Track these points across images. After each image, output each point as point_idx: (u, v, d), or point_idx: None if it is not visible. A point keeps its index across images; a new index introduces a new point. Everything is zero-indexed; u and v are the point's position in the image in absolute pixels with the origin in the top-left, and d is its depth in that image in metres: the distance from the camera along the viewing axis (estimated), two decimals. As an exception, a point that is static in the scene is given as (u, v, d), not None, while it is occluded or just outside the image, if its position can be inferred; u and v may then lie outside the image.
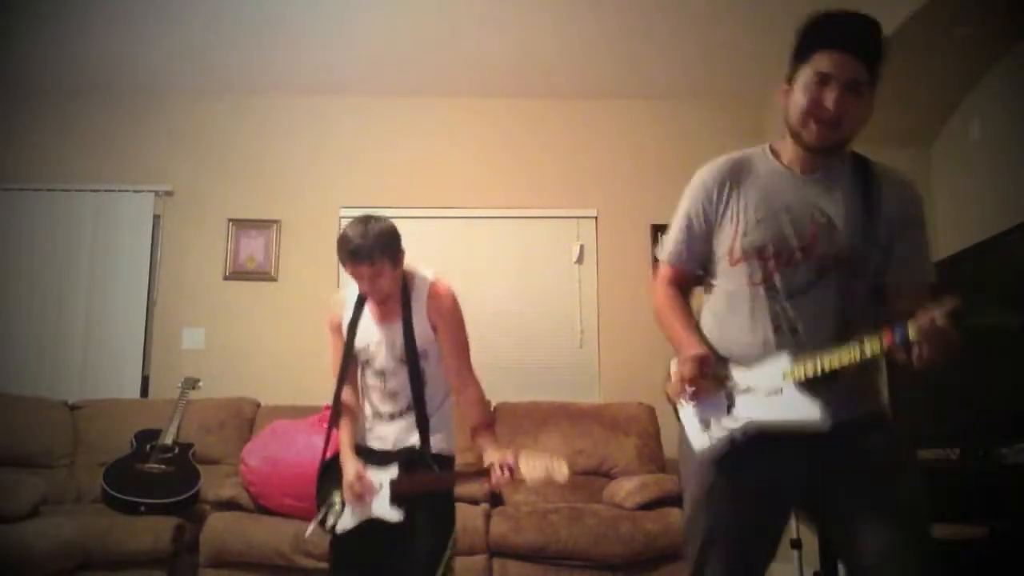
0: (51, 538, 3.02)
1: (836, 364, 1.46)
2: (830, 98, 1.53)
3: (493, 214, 4.73)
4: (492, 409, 4.17)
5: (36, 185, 4.62)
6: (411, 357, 2.28)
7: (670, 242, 1.78)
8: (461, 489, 3.44)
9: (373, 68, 4.54)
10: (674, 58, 4.39)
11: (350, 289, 2.40)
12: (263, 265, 4.67)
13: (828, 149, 1.60)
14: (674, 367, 1.68)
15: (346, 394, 2.41)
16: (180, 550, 3.32)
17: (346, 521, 2.28)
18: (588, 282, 4.69)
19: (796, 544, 3.17)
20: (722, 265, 1.68)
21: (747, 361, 1.59)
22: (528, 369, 4.51)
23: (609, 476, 3.93)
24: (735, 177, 1.68)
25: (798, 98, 1.58)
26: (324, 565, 3.21)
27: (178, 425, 3.88)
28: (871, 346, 1.42)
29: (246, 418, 4.12)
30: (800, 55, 1.60)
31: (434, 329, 2.30)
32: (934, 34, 3.48)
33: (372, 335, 2.34)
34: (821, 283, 1.57)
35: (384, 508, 2.22)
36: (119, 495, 3.46)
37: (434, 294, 2.32)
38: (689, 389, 1.58)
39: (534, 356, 4.57)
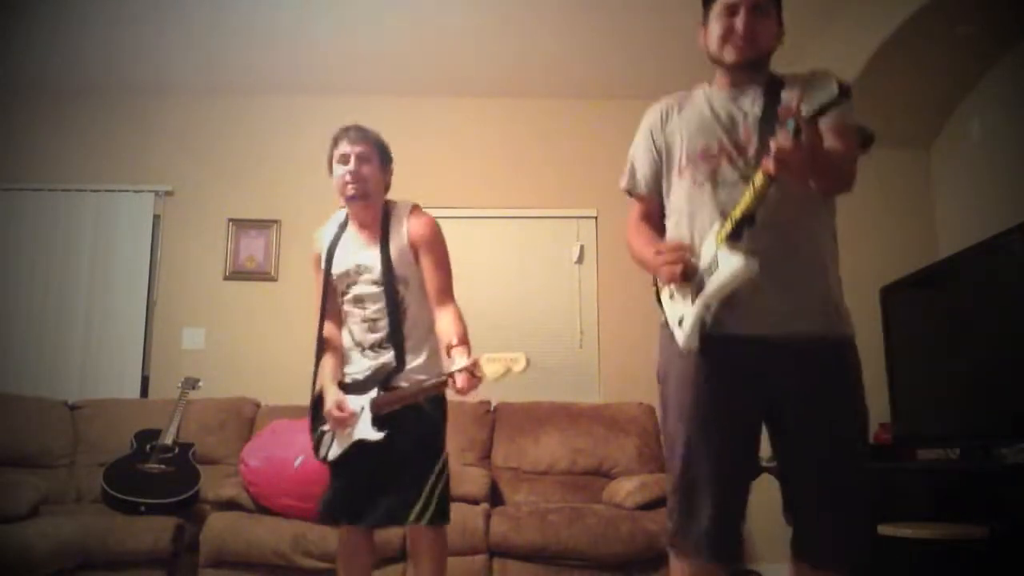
0: (51, 538, 3.01)
1: (741, 209, 1.58)
2: (739, 22, 1.73)
3: (493, 214, 4.73)
4: (492, 408, 4.19)
5: (36, 185, 4.62)
6: (388, 279, 2.29)
7: (629, 171, 1.93)
8: (461, 489, 3.46)
9: (373, 68, 4.54)
10: (674, 58, 4.38)
11: (331, 221, 2.47)
12: (263, 265, 4.67)
13: (750, 64, 1.77)
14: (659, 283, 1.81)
15: (328, 329, 2.43)
16: (180, 550, 3.32)
17: (334, 449, 2.33)
18: (588, 282, 4.69)
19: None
20: (674, 182, 1.82)
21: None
22: (528, 369, 4.50)
23: (609, 476, 3.93)
24: (676, 104, 1.88)
25: (712, 28, 1.79)
26: (324, 565, 3.23)
27: (178, 425, 3.88)
28: (757, 178, 1.54)
29: (246, 418, 4.11)
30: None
31: (415, 256, 2.32)
32: (934, 34, 3.48)
33: (351, 260, 2.36)
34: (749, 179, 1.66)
35: (365, 429, 2.25)
36: (119, 495, 3.46)
37: (415, 218, 2.35)
38: (675, 271, 1.66)
39: (534, 356, 4.51)
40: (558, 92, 4.79)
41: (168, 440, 3.78)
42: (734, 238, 1.59)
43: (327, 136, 5.03)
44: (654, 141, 1.87)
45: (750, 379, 1.68)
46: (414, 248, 2.33)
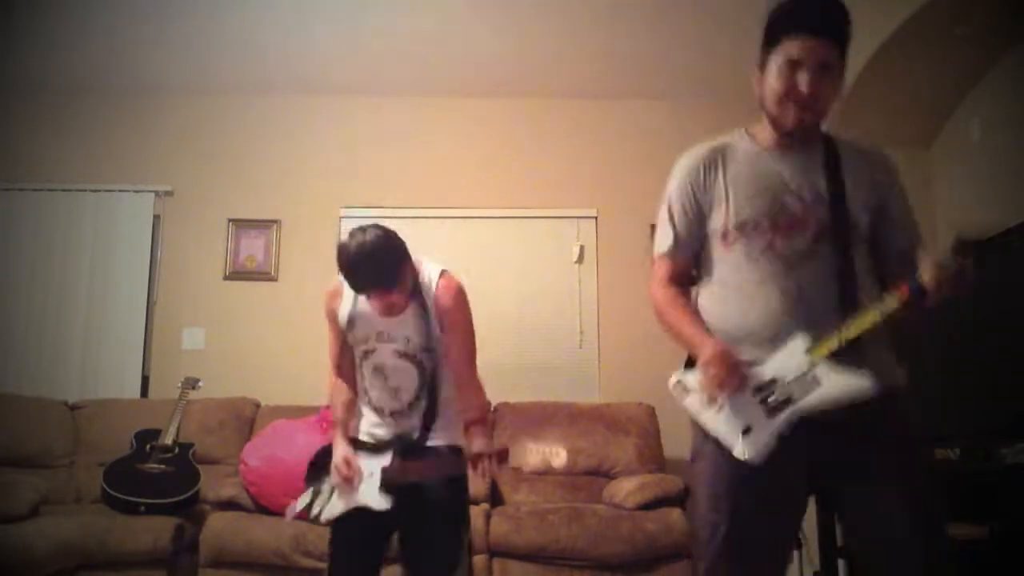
0: (51, 538, 3.02)
1: (856, 331, 1.47)
2: (804, 81, 1.56)
3: (493, 214, 4.72)
4: (492, 409, 4.18)
5: (36, 185, 4.62)
6: (424, 350, 2.17)
7: (663, 233, 1.75)
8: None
9: (373, 68, 4.54)
10: (674, 58, 4.39)
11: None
12: (263, 265, 4.67)
13: (806, 129, 1.63)
14: (681, 376, 1.66)
15: (343, 390, 2.31)
16: (180, 550, 3.32)
17: (333, 508, 2.20)
18: (588, 282, 4.69)
19: (796, 544, 3.16)
20: (717, 251, 1.66)
21: (759, 342, 1.56)
22: (528, 369, 4.51)
23: (609, 476, 3.93)
24: (718, 158, 1.69)
25: (772, 83, 1.60)
26: (324, 565, 3.23)
27: (178, 425, 3.87)
28: (888, 303, 1.45)
29: (246, 418, 4.11)
30: (769, 41, 1.62)
31: (441, 327, 2.20)
32: (934, 34, 3.48)
33: (372, 327, 2.22)
34: (820, 250, 1.58)
35: (372, 496, 2.13)
36: (119, 495, 3.46)
37: (443, 289, 2.20)
38: (726, 389, 1.54)
39: (534, 356, 4.57)
40: (558, 92, 4.79)
41: (168, 440, 3.78)
42: (836, 354, 1.49)
43: (327, 136, 5.04)
44: (695, 200, 1.69)
45: (809, 454, 1.56)
46: (441, 319, 2.19)
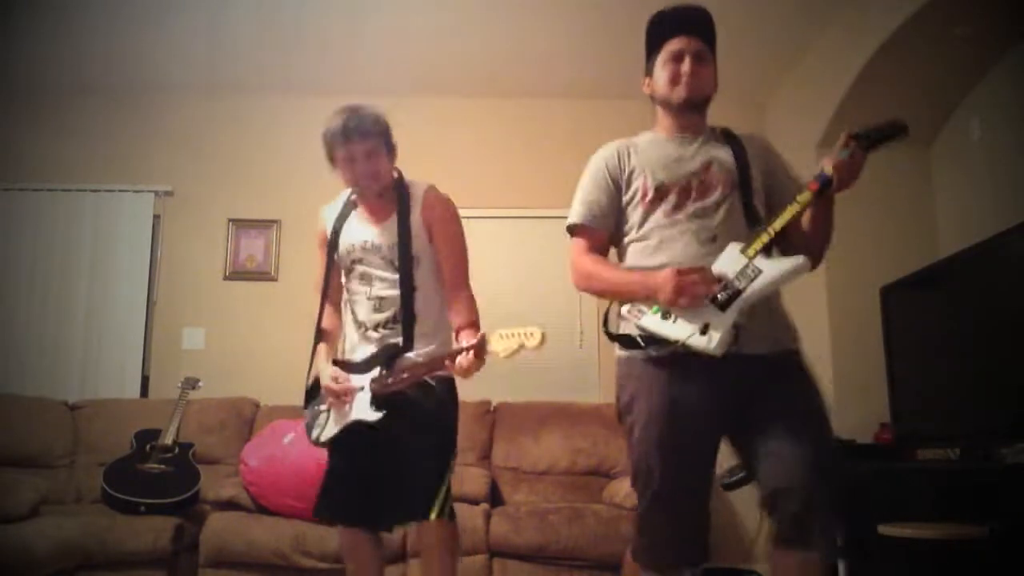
0: (51, 538, 3.01)
1: (781, 222, 1.76)
2: (685, 66, 1.89)
3: (493, 214, 4.73)
4: (492, 408, 4.18)
5: (36, 185, 4.63)
6: (402, 256, 2.18)
7: (580, 203, 2.01)
8: (461, 489, 3.46)
9: (373, 68, 4.54)
10: (674, 58, 4.39)
11: (338, 199, 2.37)
12: (263, 265, 4.67)
13: (695, 105, 1.92)
14: (626, 308, 1.88)
15: (327, 312, 2.33)
16: (180, 550, 3.32)
17: (330, 429, 2.21)
18: (588, 282, 4.68)
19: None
20: (637, 213, 1.91)
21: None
22: (528, 369, 4.50)
23: (609, 476, 3.93)
24: (629, 148, 1.97)
25: (659, 74, 1.93)
26: (324, 565, 3.23)
27: (178, 425, 3.88)
28: (804, 196, 1.76)
29: (246, 418, 4.12)
30: (653, 46, 1.95)
31: (429, 236, 2.22)
32: (934, 34, 3.48)
33: (359, 236, 2.25)
34: (728, 203, 1.86)
35: (364, 409, 2.14)
36: (119, 495, 3.46)
37: (432, 196, 2.25)
38: (697, 294, 1.73)
39: (534, 356, 4.55)
40: (558, 92, 4.79)
41: (168, 440, 3.78)
42: (766, 251, 1.75)
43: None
44: (610, 176, 1.95)
45: (724, 392, 1.77)
46: (428, 227, 2.23)
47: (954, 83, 3.80)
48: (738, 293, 1.72)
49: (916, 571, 2.98)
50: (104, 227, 4.60)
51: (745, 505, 4.03)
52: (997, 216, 3.41)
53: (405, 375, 2.12)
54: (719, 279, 1.74)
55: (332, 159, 2.31)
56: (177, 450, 3.76)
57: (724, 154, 1.92)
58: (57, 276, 4.52)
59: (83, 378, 4.41)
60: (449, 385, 2.23)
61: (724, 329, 1.72)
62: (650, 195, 1.89)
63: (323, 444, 2.25)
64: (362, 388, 2.17)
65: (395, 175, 2.32)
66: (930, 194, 4.13)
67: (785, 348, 1.84)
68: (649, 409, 1.81)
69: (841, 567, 3.58)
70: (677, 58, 1.89)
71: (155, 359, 4.56)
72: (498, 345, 1.95)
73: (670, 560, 1.81)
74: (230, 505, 3.48)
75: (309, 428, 2.29)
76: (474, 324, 2.19)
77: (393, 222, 2.23)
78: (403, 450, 2.15)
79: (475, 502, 3.52)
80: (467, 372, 2.00)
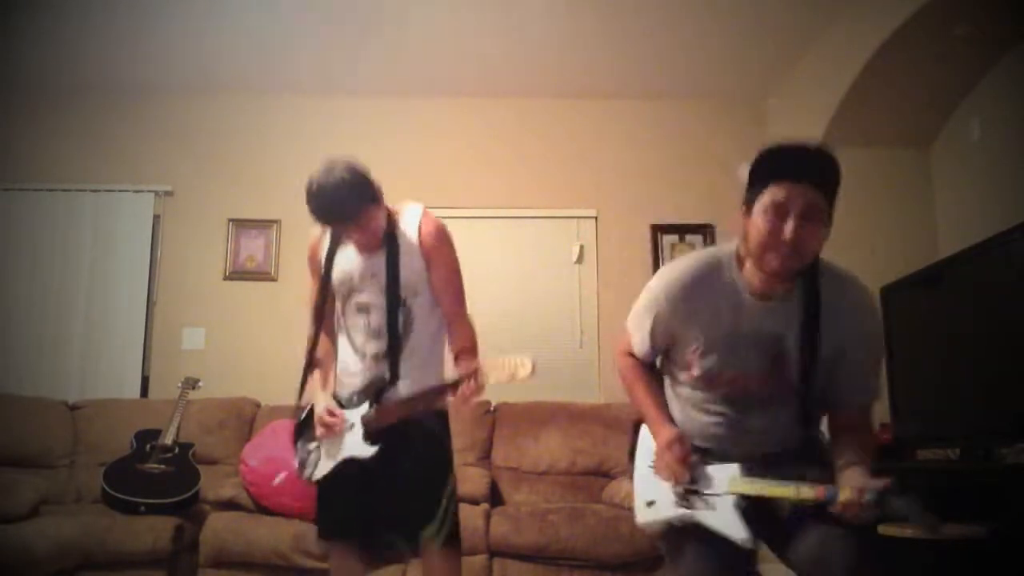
0: (51, 538, 3.02)
1: (773, 494, 1.62)
2: (788, 228, 1.55)
3: (493, 214, 4.73)
4: (492, 408, 4.18)
5: (36, 185, 4.62)
6: (392, 289, 2.14)
7: (634, 329, 1.84)
8: (461, 489, 3.45)
9: (373, 69, 4.54)
10: (674, 58, 4.40)
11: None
12: (263, 265, 4.67)
13: (792, 276, 1.64)
14: (650, 442, 1.83)
15: (321, 343, 2.27)
16: (180, 550, 3.32)
17: (323, 466, 2.18)
18: (588, 282, 4.69)
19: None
20: (679, 376, 1.80)
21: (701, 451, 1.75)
22: (534, 374, 4.50)
23: (609, 476, 3.93)
24: (698, 291, 1.71)
25: (757, 225, 1.60)
26: (324, 565, 3.23)
27: (178, 425, 3.87)
28: (804, 493, 1.56)
29: (246, 418, 4.11)
30: (756, 184, 1.62)
31: (427, 264, 2.18)
32: (934, 34, 3.48)
33: (354, 266, 2.20)
34: (774, 403, 1.71)
35: (356, 445, 2.11)
36: (119, 495, 3.46)
37: (427, 224, 2.19)
38: (682, 472, 1.70)
39: (534, 356, 4.55)
40: (558, 92, 4.79)
41: (168, 440, 3.78)
42: (743, 502, 1.65)
43: (327, 136, 5.04)
44: (667, 326, 1.76)
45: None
46: (426, 256, 2.17)
47: (954, 83, 3.80)
48: (691, 507, 1.71)
49: (916, 571, 2.98)
50: (104, 227, 4.60)
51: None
52: (997, 216, 3.40)
53: (398, 409, 2.10)
54: (695, 481, 1.70)
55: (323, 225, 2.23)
56: (177, 450, 3.76)
57: (794, 331, 1.66)
58: (57, 276, 4.52)
59: (83, 378, 4.40)
60: (442, 420, 2.21)
61: (660, 520, 1.74)
62: (696, 373, 1.73)
63: (317, 483, 2.22)
64: (353, 424, 2.14)
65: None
66: (930, 194, 4.13)
67: None
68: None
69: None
70: (781, 212, 1.56)
71: (155, 359, 4.56)
72: (491, 375, 1.94)
73: None
74: (230, 505, 3.48)
75: (302, 466, 2.25)
76: (473, 349, 2.17)
77: (388, 253, 2.18)
78: (397, 486, 2.12)
79: (475, 502, 3.52)
80: (467, 400, 1.98)
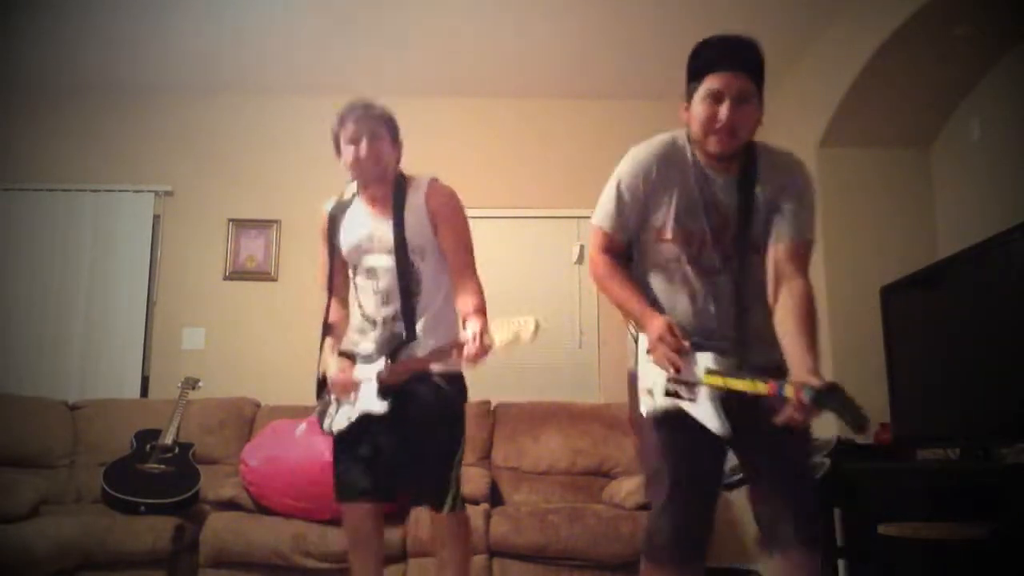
0: (51, 538, 3.02)
1: (735, 387, 1.73)
2: (724, 112, 1.76)
3: (493, 214, 4.72)
4: (492, 408, 4.18)
5: (36, 185, 4.63)
6: (401, 249, 2.19)
7: (606, 206, 1.96)
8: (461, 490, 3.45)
9: (373, 68, 4.54)
10: (674, 58, 4.36)
11: (339, 195, 2.38)
12: (263, 265, 4.67)
13: (730, 155, 1.83)
14: (634, 330, 1.95)
15: (334, 309, 2.35)
16: (180, 550, 3.32)
17: (339, 420, 2.24)
18: (588, 282, 4.67)
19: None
20: (651, 241, 1.92)
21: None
22: (528, 369, 4.51)
23: (609, 476, 3.93)
24: (666, 163, 1.88)
25: (697, 112, 1.81)
26: (324, 565, 3.23)
27: (178, 425, 3.88)
28: (760, 388, 1.68)
29: (246, 418, 4.11)
30: (693, 77, 1.83)
31: (434, 227, 2.23)
32: (934, 34, 3.48)
33: (363, 228, 2.26)
34: (725, 268, 1.87)
35: (371, 401, 2.16)
36: (119, 495, 3.46)
37: (435, 189, 2.26)
38: (678, 360, 1.78)
39: (534, 356, 4.56)
40: (558, 92, 4.79)
41: (168, 440, 3.78)
42: (716, 392, 1.76)
43: (327, 136, 5.01)
44: (640, 193, 1.91)
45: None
46: (433, 219, 2.23)
47: (954, 83, 3.80)
48: (678, 396, 1.81)
49: (916, 571, 2.98)
50: (104, 227, 4.60)
51: (745, 505, 4.03)
52: (997, 216, 3.40)
53: (411, 365, 2.15)
54: (679, 370, 1.79)
55: (336, 143, 2.29)
56: (177, 450, 3.76)
57: (738, 200, 1.86)
58: (57, 276, 4.52)
59: (83, 378, 4.40)
60: (457, 382, 2.26)
61: (658, 408, 1.83)
62: (668, 235, 1.88)
63: (334, 434, 2.28)
64: (368, 380, 2.19)
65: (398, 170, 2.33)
66: (930, 194, 4.13)
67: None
68: (647, 421, 1.90)
69: (841, 567, 3.58)
70: (716, 98, 1.77)
71: (155, 359, 4.56)
72: (495, 335, 1.97)
73: (676, 559, 1.90)
74: (230, 505, 3.48)
75: (321, 417, 2.32)
76: (481, 310, 2.20)
77: (398, 214, 2.25)
78: (410, 444, 2.18)
79: (475, 502, 3.52)
80: (474, 360, 2.01)
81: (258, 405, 4.21)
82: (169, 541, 3.26)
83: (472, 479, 3.65)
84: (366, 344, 2.26)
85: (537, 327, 1.93)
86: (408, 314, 2.20)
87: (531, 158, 4.81)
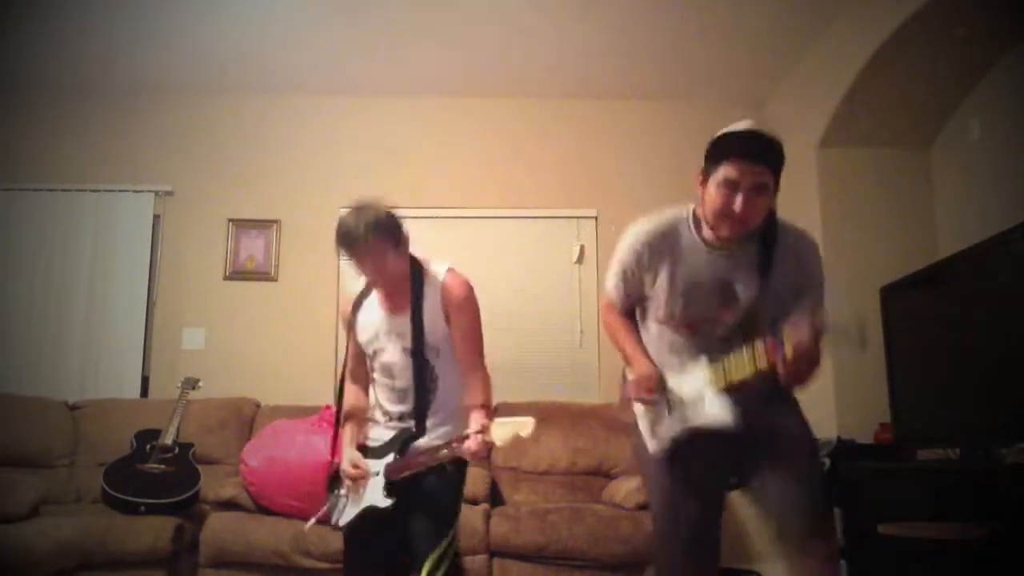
0: (51, 538, 3.01)
1: (739, 372, 1.83)
2: (738, 202, 1.81)
3: (493, 214, 4.73)
4: (492, 408, 4.18)
5: (36, 185, 4.62)
6: (417, 347, 2.21)
7: (610, 285, 2.12)
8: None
9: (373, 68, 4.54)
10: (674, 58, 4.40)
11: (361, 281, 2.34)
12: (263, 265, 4.67)
13: (741, 240, 1.91)
14: (630, 376, 2.06)
15: (353, 394, 2.36)
16: (180, 550, 3.32)
17: (347, 514, 2.27)
18: (588, 282, 4.69)
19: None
20: (650, 321, 2.06)
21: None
22: (528, 369, 4.51)
23: (609, 476, 3.93)
24: (661, 246, 1.97)
25: (712, 197, 1.86)
26: (324, 565, 3.23)
27: (178, 425, 3.87)
28: (760, 359, 1.78)
29: (246, 418, 4.11)
30: (712, 161, 1.87)
31: (447, 319, 2.22)
32: (934, 34, 3.48)
33: (380, 326, 2.26)
34: (733, 338, 1.91)
35: (376, 495, 2.19)
36: (119, 495, 3.46)
37: (449, 283, 2.24)
38: (648, 398, 1.94)
39: (534, 356, 4.57)
40: (558, 92, 4.79)
41: (168, 440, 3.78)
42: (724, 391, 1.85)
43: (327, 136, 5.04)
44: (636, 276, 2.02)
45: (718, 452, 1.95)
46: (446, 311, 2.22)
47: (954, 83, 3.80)
48: (685, 418, 1.91)
49: (916, 571, 2.98)
50: (104, 227, 4.60)
51: (746, 506, 4.03)
52: (997, 216, 3.41)
53: (418, 460, 2.17)
54: (680, 399, 1.91)
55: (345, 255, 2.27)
56: (177, 450, 3.76)
57: (747, 276, 1.92)
58: (57, 276, 4.51)
59: (83, 378, 4.40)
60: (462, 465, 2.26)
61: (662, 438, 1.94)
62: (662, 316, 2.00)
63: (342, 529, 2.31)
64: (377, 473, 2.23)
65: (411, 265, 2.27)
66: (930, 194, 4.13)
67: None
68: (648, 464, 2.04)
69: (841, 567, 3.58)
70: (732, 187, 1.82)
71: (155, 359, 4.56)
72: (495, 432, 1.98)
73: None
74: (230, 505, 3.48)
75: (331, 512, 2.36)
76: (486, 406, 2.22)
77: (413, 311, 2.23)
78: (409, 531, 2.19)
79: (475, 502, 3.52)
80: (475, 455, 2.05)
81: (258, 405, 4.21)
82: (169, 541, 3.26)
83: (472, 479, 3.64)
84: (379, 436, 2.31)
85: (534, 427, 1.96)
86: (421, 410, 2.23)
87: (531, 158, 4.81)
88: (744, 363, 1.82)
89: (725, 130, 1.90)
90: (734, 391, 1.85)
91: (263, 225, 4.71)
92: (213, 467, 3.84)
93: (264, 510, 3.45)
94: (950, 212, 4.01)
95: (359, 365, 2.37)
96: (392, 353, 2.25)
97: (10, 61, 4.45)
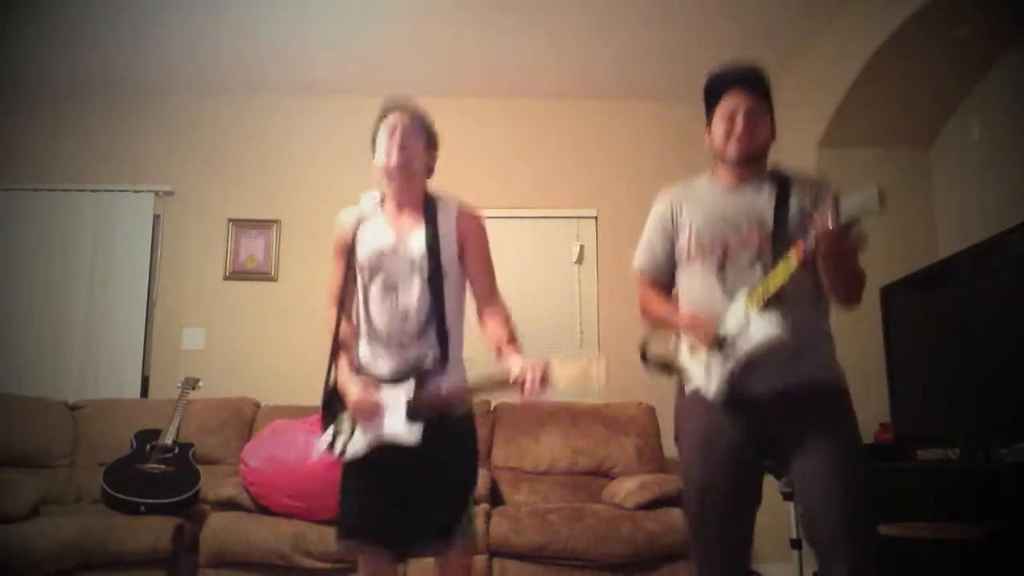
0: (51, 538, 3.02)
1: (774, 284, 1.87)
2: (738, 123, 2.00)
3: (493, 214, 4.63)
4: (492, 408, 4.19)
5: (36, 185, 4.63)
6: (434, 266, 2.08)
7: (640, 252, 2.22)
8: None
9: (373, 68, 4.54)
10: (674, 58, 4.40)
11: (361, 202, 2.26)
12: (263, 265, 4.67)
13: (749, 160, 2.02)
14: (652, 340, 2.15)
15: (345, 327, 2.18)
16: (180, 550, 3.32)
17: (357, 445, 2.05)
18: (588, 282, 4.69)
19: (796, 544, 3.16)
20: (682, 267, 2.11)
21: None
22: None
23: (609, 476, 3.93)
24: (683, 198, 2.13)
25: (717, 128, 2.05)
26: (324, 565, 3.23)
27: (178, 425, 3.87)
28: (792, 262, 1.84)
29: (246, 418, 4.11)
30: (711, 102, 2.08)
31: (460, 249, 2.14)
32: (934, 34, 3.48)
33: (385, 242, 2.13)
34: (759, 263, 1.97)
35: (399, 427, 1.99)
36: (119, 495, 3.46)
37: (466, 210, 2.17)
38: (707, 328, 1.94)
39: (534, 356, 4.55)
40: (558, 92, 4.79)
41: (168, 440, 3.78)
42: (764, 307, 1.89)
43: (327, 136, 5.05)
44: (663, 230, 2.15)
45: (758, 426, 1.95)
46: (461, 240, 2.14)
47: (954, 83, 3.80)
48: (734, 350, 1.91)
49: (916, 571, 2.98)
50: (104, 227, 4.60)
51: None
52: (997, 216, 3.41)
53: (454, 395, 2.05)
54: (724, 336, 1.91)
55: (374, 142, 2.26)
56: (177, 450, 3.76)
57: (766, 206, 2.02)
58: (57, 276, 4.52)
59: (83, 378, 4.40)
60: (472, 421, 2.18)
61: (719, 376, 1.93)
62: (692, 253, 2.06)
63: (347, 460, 2.10)
64: (394, 404, 2.03)
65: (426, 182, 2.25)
66: (930, 194, 4.13)
67: (808, 381, 1.93)
68: (688, 436, 2.07)
69: None
70: (732, 113, 2.01)
71: (155, 359, 4.56)
72: (560, 371, 1.94)
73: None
74: (230, 505, 3.48)
75: (331, 441, 2.13)
76: (515, 338, 2.12)
77: (422, 231, 2.13)
78: (433, 474, 2.03)
79: (475, 502, 3.52)
80: (534, 396, 1.93)
81: (258, 405, 4.21)
82: (169, 541, 3.26)
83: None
84: (383, 363, 2.10)
85: (607, 367, 1.92)
86: (443, 337, 2.07)
87: (531, 158, 4.81)
88: (778, 273, 1.87)
89: (713, 70, 2.11)
90: (776, 303, 1.87)
91: (263, 225, 4.71)
92: (213, 467, 3.84)
93: (264, 510, 3.45)
94: (950, 212, 4.01)
95: (349, 291, 2.19)
96: (398, 271, 2.10)
97: (10, 61, 4.45)
